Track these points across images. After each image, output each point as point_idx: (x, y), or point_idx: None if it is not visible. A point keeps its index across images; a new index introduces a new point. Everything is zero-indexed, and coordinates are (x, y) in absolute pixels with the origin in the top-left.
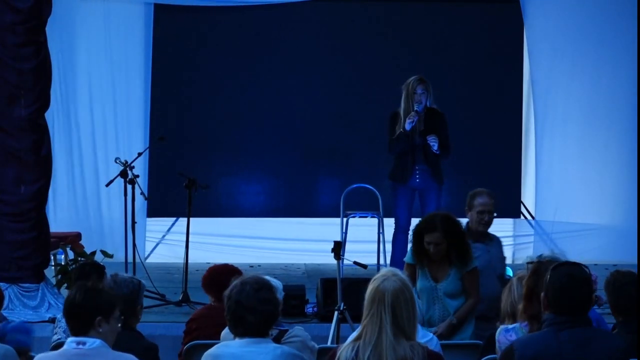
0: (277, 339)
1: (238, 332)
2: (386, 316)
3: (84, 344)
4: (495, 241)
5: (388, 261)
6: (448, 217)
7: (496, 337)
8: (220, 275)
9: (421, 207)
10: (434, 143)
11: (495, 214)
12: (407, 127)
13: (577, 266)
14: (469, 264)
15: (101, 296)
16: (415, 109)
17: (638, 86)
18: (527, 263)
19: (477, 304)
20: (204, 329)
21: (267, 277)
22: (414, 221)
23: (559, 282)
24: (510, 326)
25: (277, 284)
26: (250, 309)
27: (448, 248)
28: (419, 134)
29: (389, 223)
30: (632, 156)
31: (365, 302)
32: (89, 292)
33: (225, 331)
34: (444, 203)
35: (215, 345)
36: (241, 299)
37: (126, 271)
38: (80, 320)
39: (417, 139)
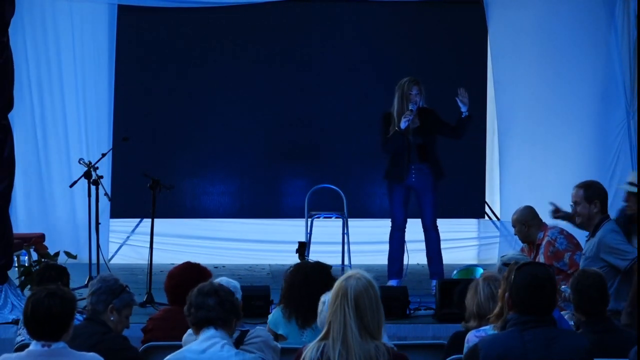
0: (239, 340)
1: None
2: (349, 310)
3: (49, 345)
4: (602, 229)
5: (353, 262)
6: None
7: (466, 338)
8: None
9: (419, 206)
10: (464, 107)
11: (583, 206)
12: (402, 125)
13: (540, 266)
14: None
15: (73, 302)
16: (409, 108)
17: (638, 86)
18: (504, 264)
19: None
20: (159, 330)
21: (225, 278)
22: (410, 221)
23: (523, 282)
24: (482, 328)
25: (234, 284)
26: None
27: None
28: (413, 132)
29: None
30: (595, 155)
31: (329, 300)
32: (64, 300)
33: (187, 334)
34: None
35: (175, 352)
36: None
37: (90, 272)
38: (53, 328)
39: (412, 138)
